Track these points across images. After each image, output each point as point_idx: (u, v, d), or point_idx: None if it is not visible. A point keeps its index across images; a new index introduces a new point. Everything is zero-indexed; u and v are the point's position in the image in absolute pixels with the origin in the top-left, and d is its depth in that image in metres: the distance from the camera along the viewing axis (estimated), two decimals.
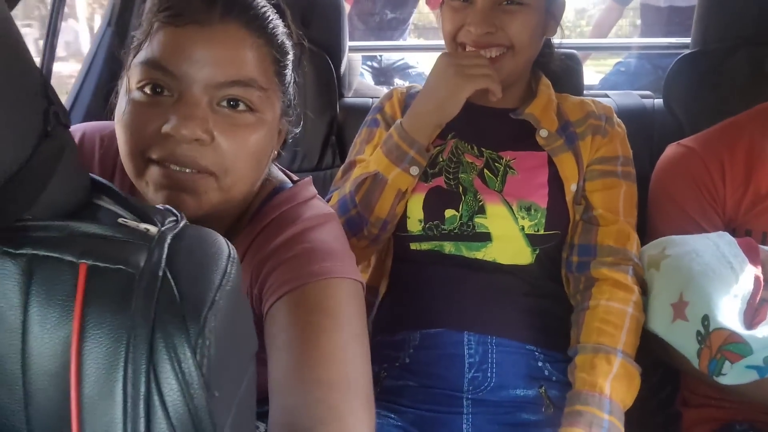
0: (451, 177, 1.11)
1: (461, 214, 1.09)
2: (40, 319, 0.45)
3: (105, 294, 0.45)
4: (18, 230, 0.47)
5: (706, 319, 0.94)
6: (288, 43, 0.82)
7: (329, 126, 1.52)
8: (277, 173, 0.91)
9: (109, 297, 0.45)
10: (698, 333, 0.95)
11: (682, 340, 0.98)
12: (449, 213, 1.09)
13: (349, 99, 1.61)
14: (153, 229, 0.50)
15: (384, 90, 2.79)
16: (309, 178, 0.91)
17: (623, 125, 1.17)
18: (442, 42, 1.14)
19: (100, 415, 0.43)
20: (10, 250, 0.45)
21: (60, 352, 0.44)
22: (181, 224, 0.53)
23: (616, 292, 1.03)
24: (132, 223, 0.50)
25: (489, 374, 1.01)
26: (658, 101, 1.46)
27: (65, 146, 0.51)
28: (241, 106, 0.75)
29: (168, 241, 0.49)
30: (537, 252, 1.09)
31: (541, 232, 1.08)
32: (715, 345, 0.91)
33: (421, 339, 1.05)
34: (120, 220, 0.51)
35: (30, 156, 0.47)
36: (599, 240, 1.08)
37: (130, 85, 0.75)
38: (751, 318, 0.94)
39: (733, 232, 1.07)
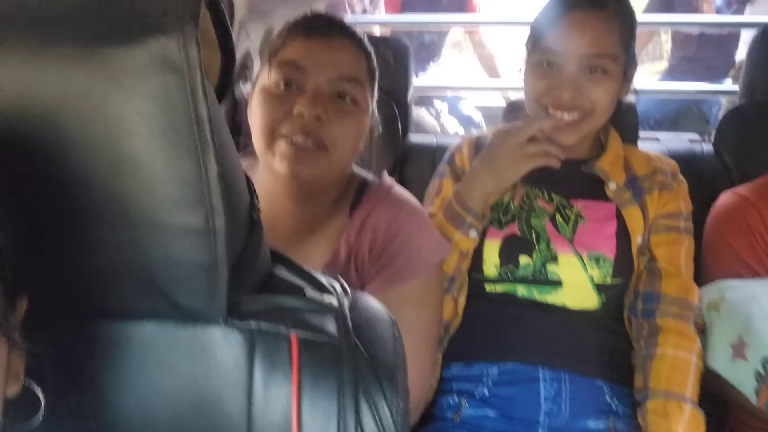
0: (524, 223, 1.20)
1: (535, 262, 1.17)
2: (264, 381, 0.55)
3: (315, 361, 0.55)
4: (238, 304, 0.57)
5: (766, 361, 1.03)
6: (374, 63, 1.07)
7: (392, 167, 1.61)
8: (358, 169, 1.14)
9: (318, 363, 0.55)
10: (757, 373, 1.04)
11: (741, 379, 1.07)
12: (524, 260, 1.17)
13: (414, 137, 1.71)
14: (334, 301, 0.61)
15: (423, 112, 2.89)
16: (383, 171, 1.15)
17: (685, 181, 1.24)
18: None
19: None
20: (238, 323, 0.56)
21: (282, 408, 0.54)
22: (350, 293, 0.63)
23: (681, 341, 1.12)
24: (317, 295, 0.61)
25: (563, 407, 1.11)
26: (707, 146, 1.55)
27: (262, 229, 0.62)
28: (348, 100, 1.00)
29: (347, 311, 0.60)
30: (603, 298, 1.17)
31: (609, 281, 1.16)
32: None
33: (499, 373, 1.15)
34: (307, 293, 0.61)
35: (246, 242, 0.58)
36: (663, 289, 1.16)
37: (265, 82, 1.00)
38: None
39: None
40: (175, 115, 0.49)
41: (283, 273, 0.64)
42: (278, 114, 0.97)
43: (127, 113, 0.48)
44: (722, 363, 1.10)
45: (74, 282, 0.55)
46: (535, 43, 1.18)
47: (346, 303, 0.61)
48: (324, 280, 0.64)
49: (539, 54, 1.16)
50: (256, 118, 1.00)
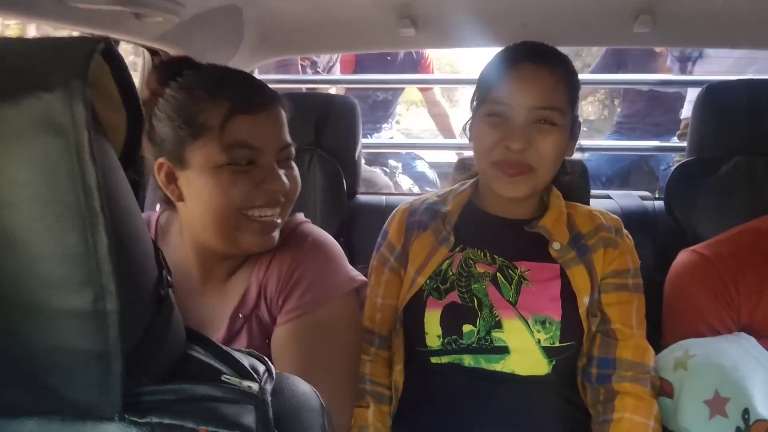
0: (464, 290, 1.15)
1: (479, 329, 1.12)
2: None
3: None
4: (139, 395, 0.50)
5: (746, 413, 0.97)
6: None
7: (338, 229, 1.55)
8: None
9: None
10: (738, 429, 0.98)
11: None
12: (467, 328, 1.12)
13: (362, 196, 1.65)
14: (254, 386, 0.54)
15: (377, 171, 2.86)
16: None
17: (631, 237, 1.22)
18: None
19: None
20: (136, 419, 0.48)
21: None
22: (275, 376, 0.57)
23: (638, 405, 1.07)
24: (235, 381, 0.54)
25: None
26: (659, 203, 1.53)
27: (173, 306, 0.55)
28: (290, 162, 1.04)
29: (269, 398, 0.53)
30: (554, 362, 1.12)
31: (557, 344, 1.11)
32: None
33: None
34: (224, 377, 0.54)
35: (150, 324, 0.51)
36: (618, 354, 1.12)
37: (217, 161, 0.96)
38: None
39: None
40: (58, 184, 0.42)
41: (199, 354, 0.57)
42: (240, 191, 0.97)
43: (2, 182, 0.42)
44: (697, 423, 1.04)
45: None
46: (484, 96, 1.15)
47: (269, 388, 0.54)
48: (245, 361, 0.57)
49: (489, 106, 1.13)
50: (216, 196, 0.97)
